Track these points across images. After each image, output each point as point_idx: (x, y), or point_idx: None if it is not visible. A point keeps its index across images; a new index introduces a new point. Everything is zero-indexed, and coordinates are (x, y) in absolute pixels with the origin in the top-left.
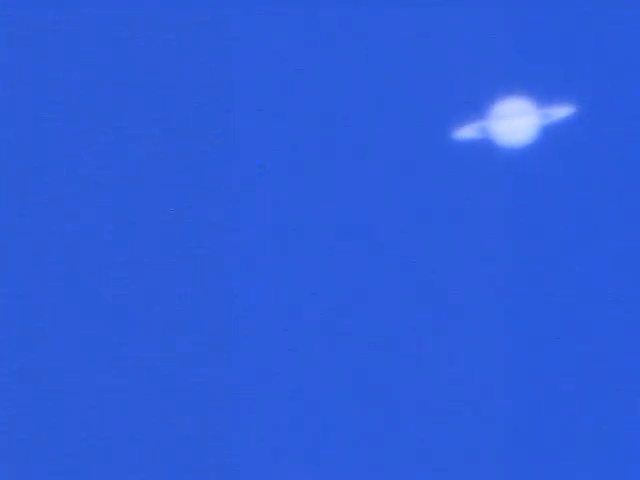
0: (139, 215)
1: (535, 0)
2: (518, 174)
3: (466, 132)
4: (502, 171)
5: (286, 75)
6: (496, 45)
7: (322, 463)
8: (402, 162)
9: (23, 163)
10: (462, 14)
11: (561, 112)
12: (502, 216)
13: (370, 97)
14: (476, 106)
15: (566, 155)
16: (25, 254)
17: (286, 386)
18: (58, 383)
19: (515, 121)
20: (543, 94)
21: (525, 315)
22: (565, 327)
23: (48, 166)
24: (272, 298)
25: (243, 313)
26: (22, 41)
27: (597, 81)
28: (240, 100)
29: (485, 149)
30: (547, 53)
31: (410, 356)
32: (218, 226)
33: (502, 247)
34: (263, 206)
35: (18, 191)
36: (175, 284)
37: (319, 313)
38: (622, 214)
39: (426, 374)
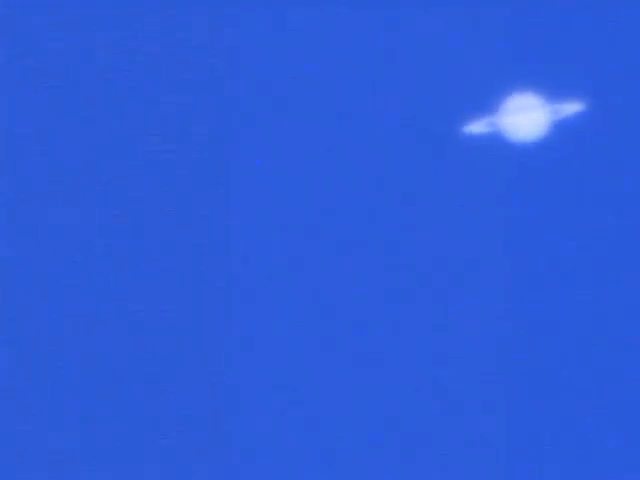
0: (138, 214)
1: None
2: (527, 169)
3: (475, 127)
4: (511, 166)
5: (287, 75)
6: (505, 41)
7: (321, 462)
8: (411, 158)
9: (21, 163)
10: (472, 11)
11: (570, 107)
12: (511, 211)
13: (378, 94)
14: (485, 102)
15: (575, 150)
16: (24, 250)
17: (285, 383)
18: (55, 383)
19: (524, 116)
20: (552, 89)
21: (532, 312)
22: (568, 325)
23: (48, 166)
24: (272, 297)
25: (242, 312)
26: (22, 41)
27: (606, 76)
28: (240, 100)
29: (494, 144)
30: (556, 48)
31: (411, 355)
32: (218, 225)
33: (509, 241)
34: (263, 206)
35: (17, 190)
36: (175, 284)
37: (320, 311)
38: (631, 209)
39: (426, 372)
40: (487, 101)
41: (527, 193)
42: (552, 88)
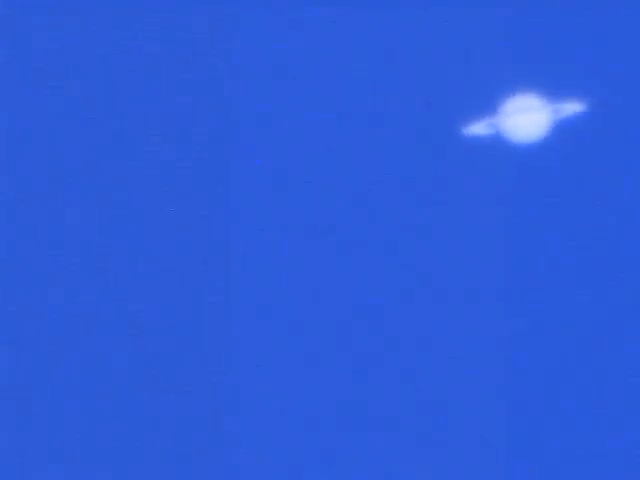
0: (138, 214)
1: None
2: (528, 169)
3: (475, 128)
4: (512, 166)
5: (288, 75)
6: (505, 42)
7: (321, 462)
8: (412, 159)
9: (21, 163)
10: (472, 11)
11: (570, 108)
12: (512, 211)
13: (378, 95)
14: (486, 102)
15: (575, 150)
16: (24, 250)
17: (285, 383)
18: (55, 383)
19: (524, 117)
20: (552, 90)
21: (532, 312)
22: (569, 325)
23: (48, 166)
24: (272, 297)
25: (242, 312)
26: (22, 41)
27: (606, 77)
28: (240, 100)
29: (495, 145)
30: (556, 49)
31: (411, 355)
32: (218, 225)
33: (510, 242)
34: (263, 206)
35: (17, 190)
36: (175, 283)
37: (320, 312)
38: (632, 209)
39: (426, 372)
40: (488, 102)
41: (528, 193)
42: (553, 89)
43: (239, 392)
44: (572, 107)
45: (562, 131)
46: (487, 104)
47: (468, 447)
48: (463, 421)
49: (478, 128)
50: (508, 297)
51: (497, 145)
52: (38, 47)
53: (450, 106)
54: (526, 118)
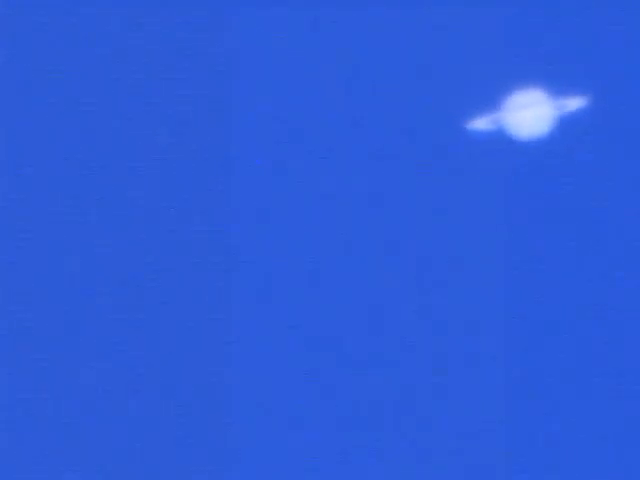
0: (139, 214)
1: None
2: (531, 165)
3: (480, 124)
4: (516, 162)
5: (288, 74)
6: (509, 38)
7: (321, 462)
8: (416, 155)
9: (21, 163)
10: (476, 8)
11: (574, 104)
12: (515, 207)
13: (381, 92)
14: (490, 98)
15: (579, 146)
16: (25, 249)
17: (285, 384)
18: (55, 382)
19: (528, 112)
20: (556, 86)
21: (534, 309)
22: (570, 324)
23: (48, 166)
24: (272, 296)
25: (242, 312)
26: (22, 41)
27: (610, 72)
28: (240, 100)
29: (499, 140)
30: (560, 45)
31: (411, 355)
32: (218, 225)
33: (513, 237)
34: (263, 206)
35: (17, 190)
36: (175, 283)
37: (320, 311)
38: (635, 204)
39: (427, 372)
40: (492, 98)
41: (531, 189)
42: (556, 85)
43: (239, 392)
44: (575, 103)
45: (565, 127)
46: (490, 100)
47: (469, 447)
48: (464, 421)
49: (481, 124)
50: (510, 293)
51: (500, 140)
52: (38, 47)
53: (454, 102)
54: (529, 114)
